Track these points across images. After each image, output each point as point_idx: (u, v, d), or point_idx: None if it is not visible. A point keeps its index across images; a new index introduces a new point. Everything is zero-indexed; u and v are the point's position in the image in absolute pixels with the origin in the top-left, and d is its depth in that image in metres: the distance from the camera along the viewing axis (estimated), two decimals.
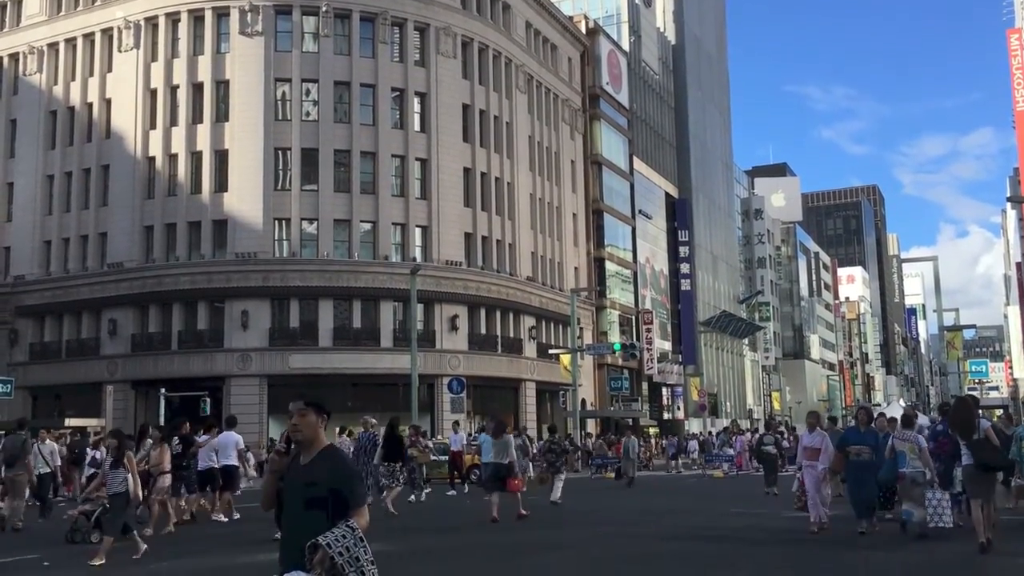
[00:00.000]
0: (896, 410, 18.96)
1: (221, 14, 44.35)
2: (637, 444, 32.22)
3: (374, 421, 20.73)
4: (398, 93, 46.11)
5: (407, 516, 17.52)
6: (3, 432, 24.87)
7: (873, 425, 13.85)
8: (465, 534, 14.44)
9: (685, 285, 72.84)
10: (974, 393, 27.93)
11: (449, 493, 24.41)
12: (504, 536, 14.02)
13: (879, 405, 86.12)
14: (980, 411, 12.66)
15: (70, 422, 37.45)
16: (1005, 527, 12.69)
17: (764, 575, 9.57)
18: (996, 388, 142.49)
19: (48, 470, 19.23)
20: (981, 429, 11.53)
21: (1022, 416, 15.96)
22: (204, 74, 44.30)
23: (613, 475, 32.35)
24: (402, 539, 13.79)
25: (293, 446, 4.93)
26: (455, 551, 12.14)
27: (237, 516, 17.32)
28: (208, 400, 39.10)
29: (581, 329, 51.54)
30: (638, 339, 61.87)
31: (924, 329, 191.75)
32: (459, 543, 13.13)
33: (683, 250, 73.23)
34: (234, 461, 17.89)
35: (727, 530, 14.30)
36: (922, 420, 19.97)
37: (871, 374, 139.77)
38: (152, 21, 45.22)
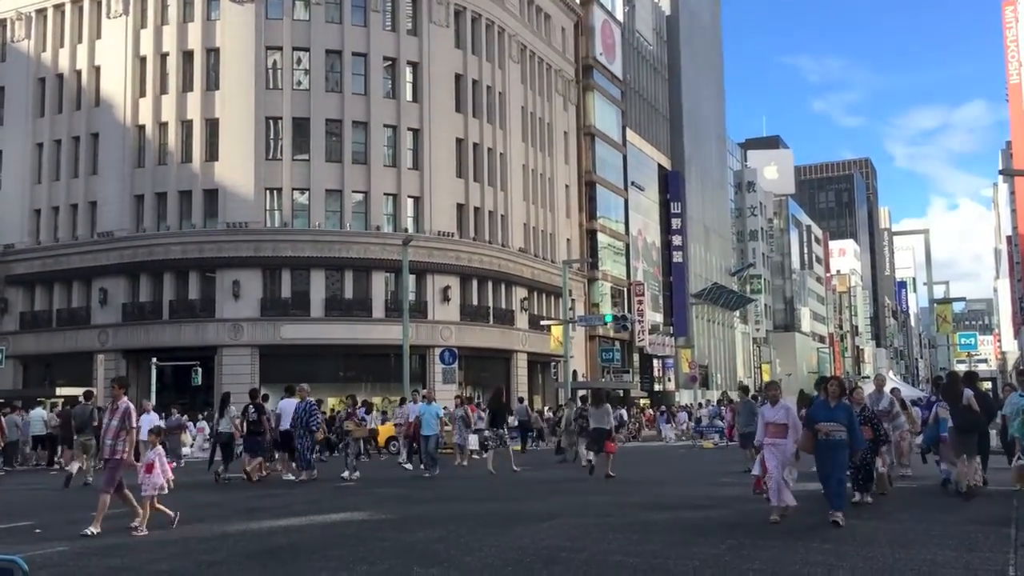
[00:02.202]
0: (869, 385, 18.97)
1: None
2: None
3: (307, 387, 19.93)
4: (390, 62, 45.79)
5: (384, 484, 17.58)
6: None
7: (845, 400, 11.84)
8: (460, 503, 14.51)
9: (677, 257, 72.92)
10: (975, 370, 28.76)
11: (407, 466, 22.62)
12: (497, 505, 14.09)
13: (867, 378, 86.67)
14: (982, 385, 15.15)
15: (61, 391, 37.42)
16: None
17: (756, 542, 9.64)
18: (985, 361, 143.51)
19: None
20: (965, 398, 13.63)
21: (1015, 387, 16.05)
22: (194, 41, 43.92)
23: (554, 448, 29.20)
24: (395, 508, 13.86)
25: None
26: (447, 519, 12.20)
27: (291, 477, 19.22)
28: (200, 370, 39.16)
29: (573, 301, 51.61)
30: (630, 311, 62.00)
31: (914, 302, 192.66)
32: (452, 511, 13.19)
33: (675, 222, 73.22)
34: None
35: (718, 499, 14.40)
36: (909, 392, 20.18)
37: (861, 347, 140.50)
38: None
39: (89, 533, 10.80)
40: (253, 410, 18.87)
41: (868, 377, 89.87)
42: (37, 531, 11.70)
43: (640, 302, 63.69)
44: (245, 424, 18.93)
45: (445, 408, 25.16)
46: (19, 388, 44.50)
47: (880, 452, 13.57)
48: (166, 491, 11.51)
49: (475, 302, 47.18)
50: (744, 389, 25.15)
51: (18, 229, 46.69)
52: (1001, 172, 66.31)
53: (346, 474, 18.79)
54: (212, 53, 43.93)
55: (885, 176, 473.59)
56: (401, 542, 10.17)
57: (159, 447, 11.77)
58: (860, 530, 10.46)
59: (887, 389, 16.49)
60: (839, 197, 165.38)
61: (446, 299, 45.12)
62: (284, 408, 19.60)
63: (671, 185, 73.78)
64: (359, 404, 23.71)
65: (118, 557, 9.43)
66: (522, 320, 50.56)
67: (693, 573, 8.02)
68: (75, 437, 19.69)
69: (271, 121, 43.57)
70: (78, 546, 10.15)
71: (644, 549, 9.39)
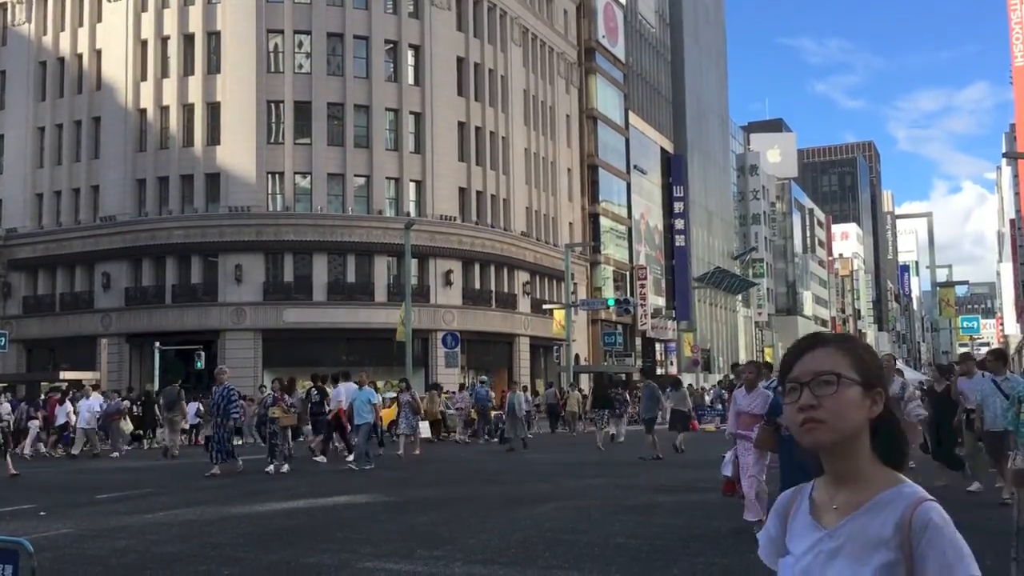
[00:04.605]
0: None
1: None
2: (524, 400, 25.86)
3: (227, 370, 18.34)
4: (392, 45, 45.64)
5: (389, 468, 17.62)
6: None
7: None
8: (462, 487, 14.56)
9: (680, 241, 72.83)
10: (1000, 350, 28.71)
11: (317, 459, 19.65)
12: (499, 488, 14.15)
13: None
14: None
15: (65, 375, 37.54)
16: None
17: (757, 526, 9.65)
18: (987, 344, 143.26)
19: None
20: None
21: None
22: (195, 25, 43.77)
23: (496, 439, 27.29)
24: (397, 491, 13.90)
25: None
26: (450, 501, 12.25)
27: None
28: (203, 354, 39.21)
29: (575, 284, 51.60)
30: (632, 295, 61.94)
31: (917, 285, 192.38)
32: (455, 494, 13.24)
33: (678, 206, 73.09)
34: None
35: (718, 482, 14.39)
36: (912, 376, 19.96)
37: (863, 330, 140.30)
38: None
39: None
40: (316, 393, 20.17)
41: None
42: (42, 513, 11.76)
43: (642, 286, 63.66)
44: (309, 406, 20.15)
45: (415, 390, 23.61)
46: (23, 372, 44.68)
47: None
48: None
49: (477, 286, 47.19)
50: (644, 372, 26.67)
51: (20, 213, 46.68)
52: (1005, 155, 66.10)
53: (271, 468, 17.04)
54: (213, 36, 43.79)
55: (888, 159, 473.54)
56: (404, 524, 10.21)
57: None
58: None
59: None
60: (842, 180, 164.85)
61: (448, 283, 45.13)
62: (339, 393, 20.12)
63: (674, 169, 73.60)
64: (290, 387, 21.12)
65: (122, 539, 9.47)
66: (524, 304, 50.57)
67: (695, 556, 8.05)
68: (164, 415, 23.33)
69: (273, 105, 43.47)
70: (83, 528, 10.20)
71: (646, 531, 9.43)
